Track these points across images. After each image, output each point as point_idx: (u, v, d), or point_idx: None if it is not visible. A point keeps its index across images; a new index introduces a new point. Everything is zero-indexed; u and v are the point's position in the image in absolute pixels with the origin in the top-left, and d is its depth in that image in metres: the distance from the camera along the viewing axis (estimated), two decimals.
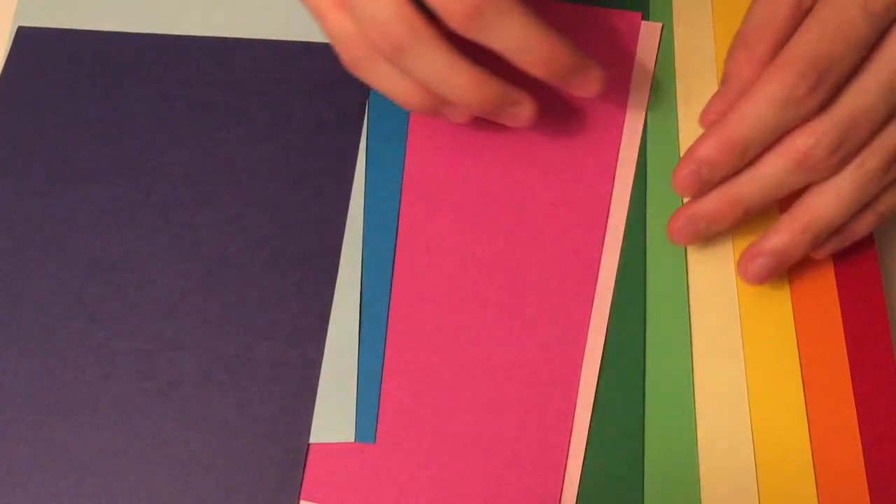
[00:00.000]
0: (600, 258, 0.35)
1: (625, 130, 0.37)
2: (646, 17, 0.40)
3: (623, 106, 0.38)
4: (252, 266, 0.35)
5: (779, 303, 0.34)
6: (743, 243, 0.35)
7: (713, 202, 0.33)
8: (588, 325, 0.34)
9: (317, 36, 0.39)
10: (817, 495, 0.31)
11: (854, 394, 0.33)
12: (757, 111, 0.30)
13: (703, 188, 0.32)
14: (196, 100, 0.38)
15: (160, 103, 0.38)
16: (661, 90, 0.38)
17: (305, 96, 0.38)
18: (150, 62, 0.39)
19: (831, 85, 0.30)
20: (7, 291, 0.35)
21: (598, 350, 0.34)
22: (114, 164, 0.37)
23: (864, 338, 0.34)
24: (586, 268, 0.35)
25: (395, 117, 0.38)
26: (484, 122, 0.37)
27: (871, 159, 0.30)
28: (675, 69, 0.39)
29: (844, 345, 0.34)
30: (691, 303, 0.35)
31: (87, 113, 0.38)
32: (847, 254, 0.35)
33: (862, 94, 0.30)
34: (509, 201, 0.36)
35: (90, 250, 0.35)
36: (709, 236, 0.34)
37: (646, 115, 0.38)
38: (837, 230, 0.33)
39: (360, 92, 0.38)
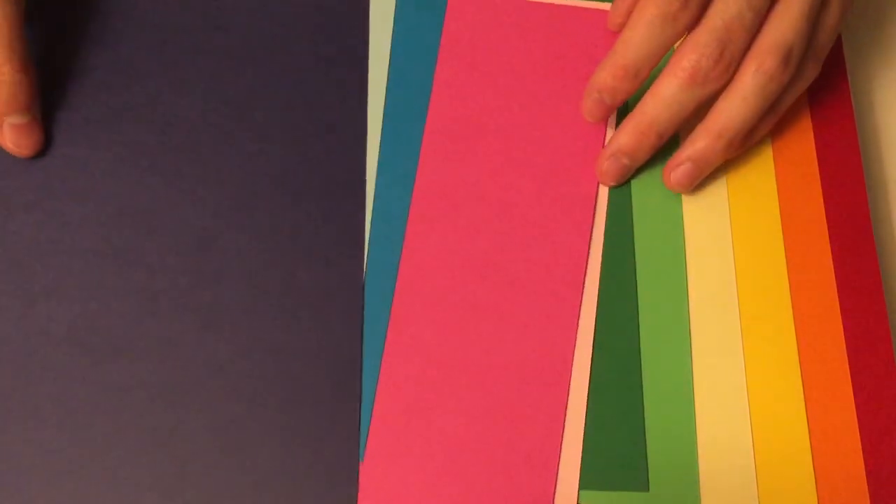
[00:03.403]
0: (587, 258, 0.36)
1: (608, 130, 0.39)
2: None
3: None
4: (280, 199, 0.37)
5: (778, 302, 0.35)
6: (745, 247, 0.36)
7: (628, 135, 0.36)
8: (576, 327, 0.35)
9: None
10: (817, 494, 0.32)
11: (854, 392, 0.33)
12: (639, 34, 0.34)
13: (608, 113, 0.36)
14: (197, 45, 0.39)
15: (160, 49, 0.38)
16: None
17: (306, 36, 0.39)
18: (145, 9, 0.39)
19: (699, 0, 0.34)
20: (37, 241, 0.35)
21: (588, 351, 0.34)
22: (122, 110, 0.37)
23: (863, 337, 0.34)
24: (573, 268, 0.36)
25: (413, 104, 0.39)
26: (472, 125, 0.38)
27: (768, 59, 0.34)
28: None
29: (844, 344, 0.34)
30: (691, 303, 0.35)
31: (88, 61, 0.38)
32: (847, 253, 0.36)
33: (728, 5, 0.34)
34: (497, 202, 0.37)
35: (114, 196, 0.36)
36: (632, 170, 0.36)
37: None
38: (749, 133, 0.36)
39: (359, 30, 0.39)
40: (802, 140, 0.39)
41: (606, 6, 0.40)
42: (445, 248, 0.36)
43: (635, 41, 0.34)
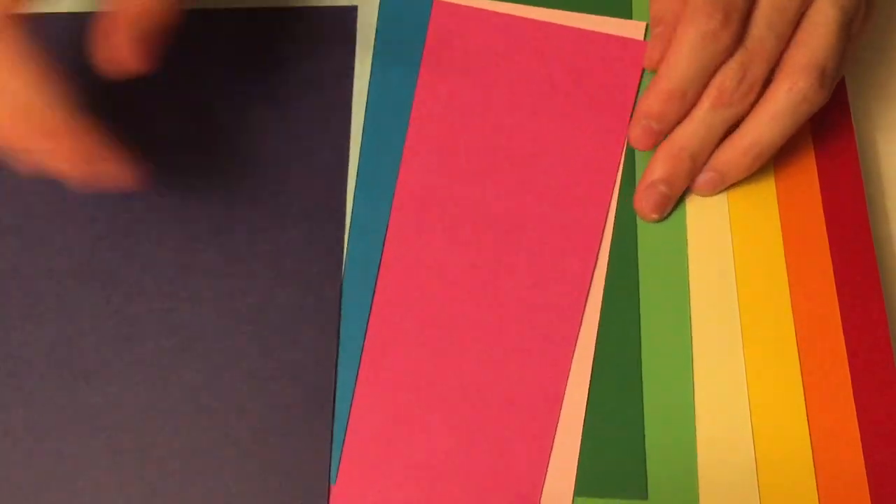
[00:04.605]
0: (591, 279, 0.35)
1: (625, 152, 0.38)
2: (628, 16, 0.40)
3: (623, 130, 0.38)
4: (260, 222, 0.36)
5: (778, 302, 0.35)
6: (745, 253, 0.36)
7: (661, 162, 0.35)
8: (573, 347, 0.34)
9: (296, 0, 0.40)
10: (817, 493, 0.32)
11: (853, 392, 0.33)
12: (684, 56, 0.34)
13: (656, 140, 0.36)
14: (179, 69, 0.39)
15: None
16: None
17: (292, 59, 0.39)
18: None
19: (738, 17, 0.33)
20: (17, 264, 0.35)
21: (589, 357, 0.34)
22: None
23: (863, 339, 0.34)
24: (576, 287, 0.35)
25: (395, 111, 0.38)
26: (452, 141, 0.37)
27: (800, 79, 0.33)
28: None
29: (844, 344, 0.34)
30: (692, 310, 0.35)
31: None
32: (846, 253, 0.36)
33: (753, 29, 0.34)
34: (500, 217, 0.36)
35: (93, 219, 0.36)
36: (675, 198, 0.36)
37: None
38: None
39: (345, 53, 0.39)
40: (802, 145, 0.38)
41: (594, 27, 0.39)
42: (424, 268, 0.35)
43: (680, 63, 0.34)
